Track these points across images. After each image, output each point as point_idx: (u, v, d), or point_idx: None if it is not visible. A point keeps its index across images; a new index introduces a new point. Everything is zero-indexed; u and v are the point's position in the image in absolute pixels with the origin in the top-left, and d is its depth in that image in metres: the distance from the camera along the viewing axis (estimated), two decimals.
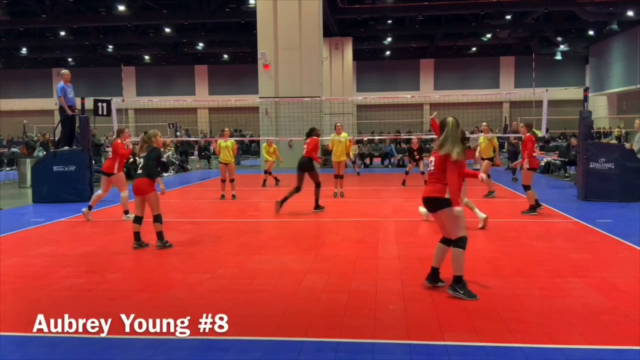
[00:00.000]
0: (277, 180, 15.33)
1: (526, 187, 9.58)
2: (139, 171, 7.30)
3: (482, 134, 12.92)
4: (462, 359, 3.84)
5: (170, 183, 15.65)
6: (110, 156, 9.95)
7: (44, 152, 15.95)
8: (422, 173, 14.40)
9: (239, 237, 8.40)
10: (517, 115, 33.84)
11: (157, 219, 7.24)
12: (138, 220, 7.32)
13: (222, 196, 12.31)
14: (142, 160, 7.32)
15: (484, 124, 13.85)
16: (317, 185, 10.30)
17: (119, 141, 9.94)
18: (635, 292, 5.18)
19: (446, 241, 5.24)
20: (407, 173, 15.36)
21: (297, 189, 10.08)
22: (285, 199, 10.02)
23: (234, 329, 4.26)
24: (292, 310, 4.79)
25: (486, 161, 12.31)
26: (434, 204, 5.17)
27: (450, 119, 5.24)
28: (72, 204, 11.34)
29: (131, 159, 18.13)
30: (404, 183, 14.82)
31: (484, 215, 8.30)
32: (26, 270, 6.31)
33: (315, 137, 10.56)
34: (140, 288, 5.53)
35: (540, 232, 8.36)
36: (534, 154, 9.44)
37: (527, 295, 5.18)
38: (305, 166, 10.25)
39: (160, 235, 7.28)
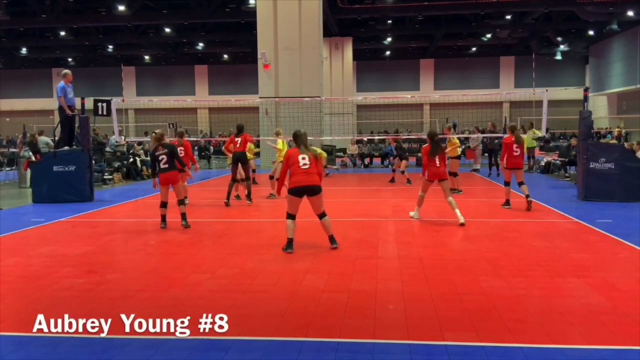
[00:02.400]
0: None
1: (504, 183, 10.70)
2: (165, 166, 8.58)
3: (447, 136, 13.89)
4: (462, 359, 3.84)
5: None
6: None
7: (30, 153, 15.93)
8: (402, 172, 14.98)
9: (239, 237, 8.41)
10: (517, 115, 33.84)
11: (182, 202, 8.74)
12: (164, 205, 8.70)
13: (237, 196, 12.26)
14: (163, 157, 8.57)
15: (445, 127, 15.05)
16: (248, 178, 11.75)
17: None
18: (635, 292, 5.19)
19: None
20: (394, 171, 16.19)
21: (234, 180, 11.43)
22: (228, 193, 11.31)
23: (234, 329, 4.26)
24: (292, 310, 4.79)
25: (453, 159, 13.18)
26: (319, 190, 7.03)
27: (302, 131, 7.17)
28: (72, 204, 11.36)
29: (131, 159, 18.31)
30: (392, 180, 15.54)
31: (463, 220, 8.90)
32: (26, 270, 6.31)
33: (248, 134, 11.76)
34: (140, 288, 5.52)
35: (540, 232, 8.36)
36: (514, 154, 10.30)
37: (527, 295, 5.18)
38: (241, 160, 11.46)
39: (184, 215, 8.66)
